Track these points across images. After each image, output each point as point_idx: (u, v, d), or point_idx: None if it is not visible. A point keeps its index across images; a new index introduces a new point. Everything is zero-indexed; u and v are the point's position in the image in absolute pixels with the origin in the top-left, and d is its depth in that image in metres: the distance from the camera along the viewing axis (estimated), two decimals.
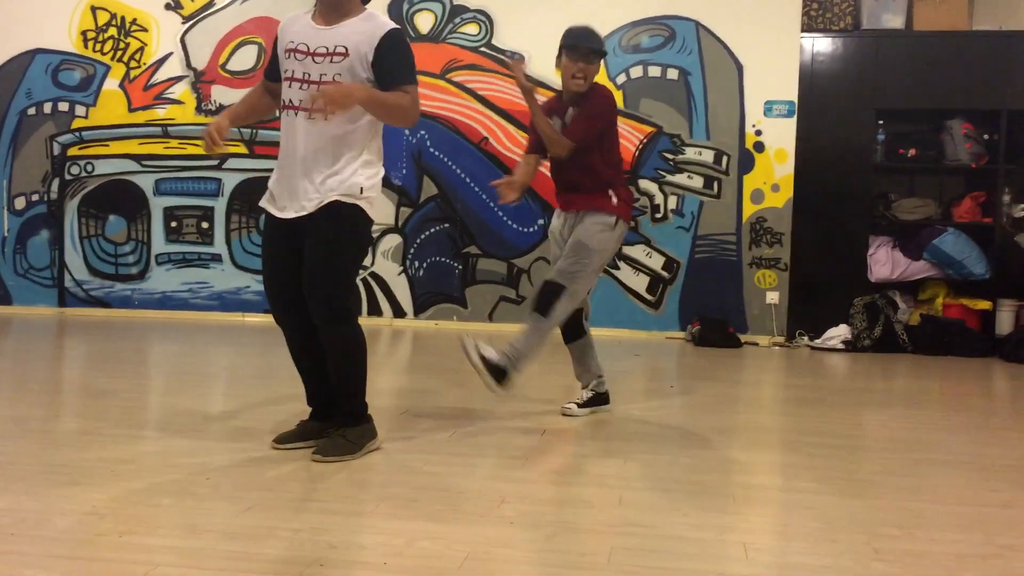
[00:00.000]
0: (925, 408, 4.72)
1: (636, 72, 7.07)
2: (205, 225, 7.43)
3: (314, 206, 3.05)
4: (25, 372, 4.98)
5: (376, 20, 3.11)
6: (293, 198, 3.09)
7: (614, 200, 3.91)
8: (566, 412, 4.00)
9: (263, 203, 3.22)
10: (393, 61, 3.06)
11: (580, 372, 4.15)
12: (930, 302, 6.77)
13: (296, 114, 3.08)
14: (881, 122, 6.84)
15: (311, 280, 3.07)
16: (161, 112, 7.43)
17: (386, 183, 7.20)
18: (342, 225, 3.08)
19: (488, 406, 4.13)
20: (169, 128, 7.42)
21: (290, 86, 3.11)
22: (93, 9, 7.45)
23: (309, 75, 3.06)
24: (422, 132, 7.16)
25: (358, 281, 7.16)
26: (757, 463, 3.41)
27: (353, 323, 3.18)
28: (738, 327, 6.89)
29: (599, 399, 4.13)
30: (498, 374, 3.68)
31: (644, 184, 7.04)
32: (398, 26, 3.14)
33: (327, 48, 3.05)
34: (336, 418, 3.24)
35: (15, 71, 7.49)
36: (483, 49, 7.15)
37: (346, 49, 3.04)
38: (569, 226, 3.97)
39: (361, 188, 3.09)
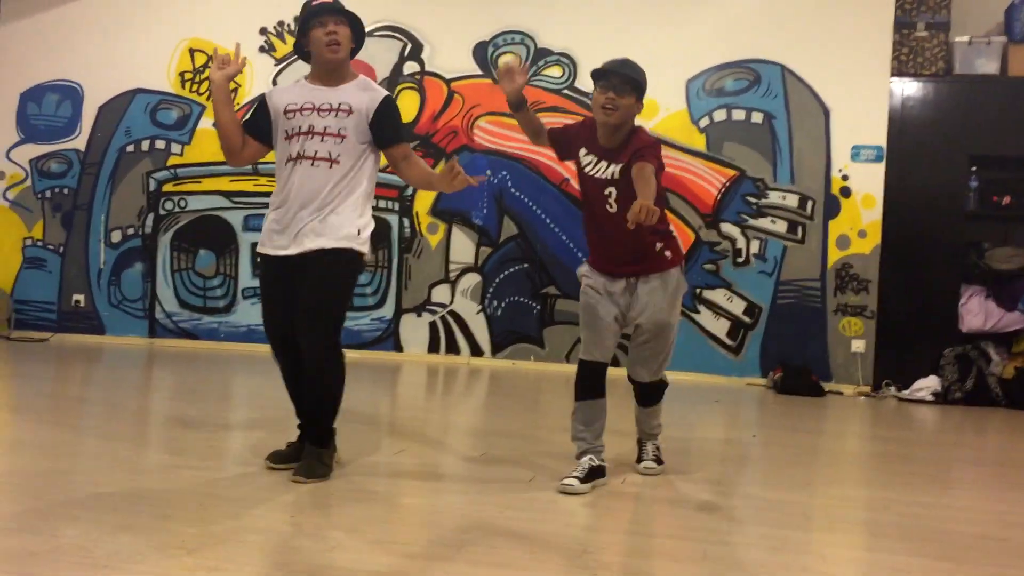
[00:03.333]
0: (1021, 467, 4.53)
1: (719, 115, 7.04)
2: None
3: (317, 245, 3.35)
4: (115, 402, 5.14)
5: (373, 87, 3.51)
6: (297, 237, 3.38)
7: (668, 253, 3.53)
8: (565, 490, 3.36)
9: (263, 249, 3.49)
10: (392, 123, 3.50)
11: (601, 426, 3.62)
12: None
13: (305, 163, 3.39)
14: (974, 168, 6.67)
15: (312, 315, 3.35)
16: None
17: (466, 223, 7.29)
18: (343, 267, 3.41)
19: (566, 453, 4.10)
20: (259, 166, 7.63)
21: (298, 139, 3.42)
22: (191, 51, 7.75)
23: (314, 127, 3.40)
24: (504, 173, 7.23)
25: (437, 320, 7.26)
26: (842, 521, 3.31)
27: (342, 353, 3.45)
28: (822, 375, 6.73)
29: (597, 472, 3.52)
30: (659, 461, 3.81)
31: (726, 228, 6.97)
32: (390, 93, 3.58)
33: (331, 104, 3.41)
34: (311, 438, 3.47)
35: (116, 110, 7.81)
36: (566, 92, 7.21)
37: (350, 107, 3.41)
38: (631, 291, 3.51)
39: (359, 230, 3.41)
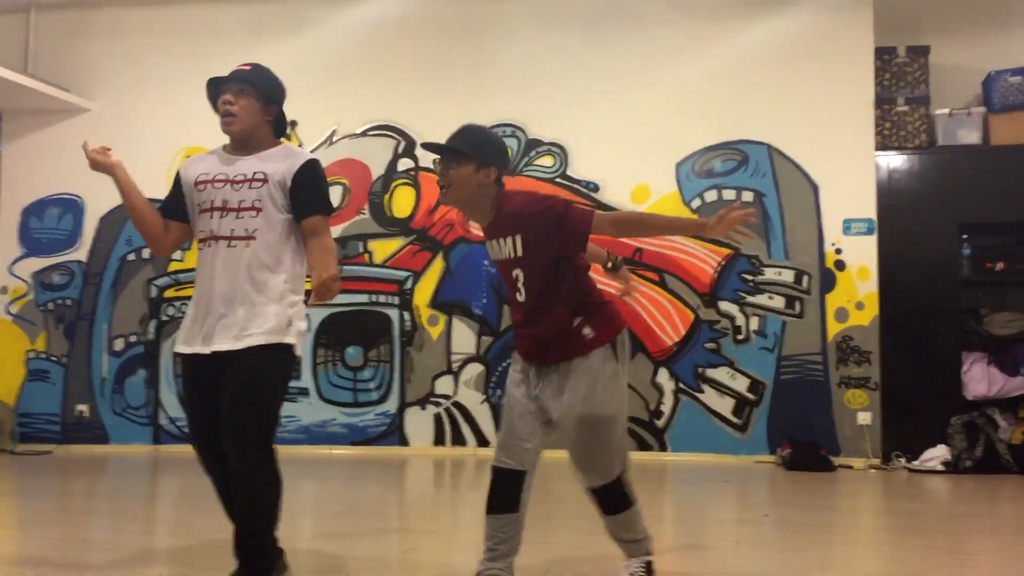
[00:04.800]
0: None
1: (711, 196, 7.14)
2: None
3: (243, 344, 3.01)
4: (120, 512, 5.09)
5: (296, 153, 3.22)
6: (219, 330, 3.04)
7: (588, 331, 2.91)
8: None
9: (180, 348, 3.13)
10: (310, 190, 3.14)
11: (511, 547, 2.99)
12: None
13: (220, 244, 3.10)
14: (965, 236, 6.74)
15: (238, 419, 2.97)
16: None
17: (467, 313, 7.32)
18: (273, 363, 3.05)
19: (579, 542, 4.06)
20: None
21: (211, 216, 3.13)
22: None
23: (228, 202, 3.11)
24: None
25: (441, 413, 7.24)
26: None
27: (276, 462, 3.07)
28: (830, 449, 6.69)
29: None
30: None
31: (724, 306, 7.01)
32: (316, 158, 3.24)
33: (245, 175, 3.12)
34: (246, 564, 3.06)
35: (117, 221, 7.90)
36: (558, 180, 7.33)
37: (265, 176, 3.12)
38: (545, 383, 2.95)
39: (289, 321, 3.07)
